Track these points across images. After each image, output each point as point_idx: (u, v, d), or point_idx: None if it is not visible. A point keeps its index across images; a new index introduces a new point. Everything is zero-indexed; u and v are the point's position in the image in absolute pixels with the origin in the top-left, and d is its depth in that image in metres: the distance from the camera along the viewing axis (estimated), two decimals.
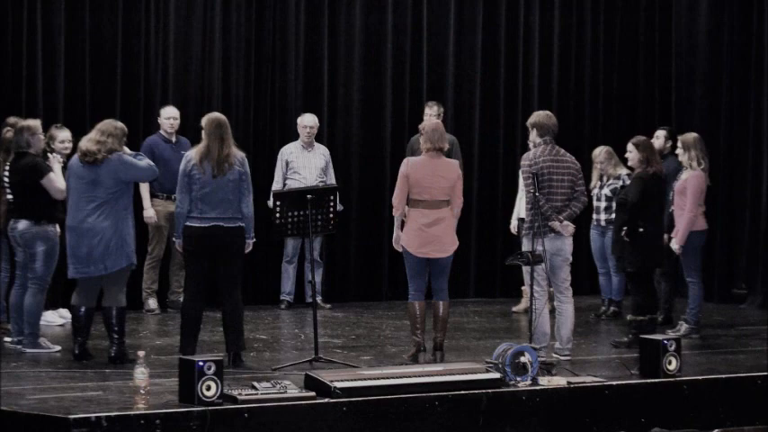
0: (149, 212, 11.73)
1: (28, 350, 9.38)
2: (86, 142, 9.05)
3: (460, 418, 7.69)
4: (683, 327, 10.68)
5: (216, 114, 9.17)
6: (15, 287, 9.68)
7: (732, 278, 13.50)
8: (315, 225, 9.20)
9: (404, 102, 13.56)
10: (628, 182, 11.03)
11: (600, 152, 11.91)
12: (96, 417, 6.81)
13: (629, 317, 10.23)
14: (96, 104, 12.04)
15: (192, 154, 8.99)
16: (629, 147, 10.30)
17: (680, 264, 10.90)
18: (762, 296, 13.01)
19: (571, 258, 9.45)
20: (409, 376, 7.86)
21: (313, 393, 7.48)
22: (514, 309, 12.40)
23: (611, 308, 12.01)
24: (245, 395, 7.29)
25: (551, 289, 9.58)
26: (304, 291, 12.53)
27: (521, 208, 11.34)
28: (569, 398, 8.04)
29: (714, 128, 13.49)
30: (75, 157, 9.12)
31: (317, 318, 9.15)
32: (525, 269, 9.27)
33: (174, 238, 9.32)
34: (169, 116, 11.97)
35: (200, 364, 7.18)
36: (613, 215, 11.17)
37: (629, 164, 10.46)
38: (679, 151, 10.73)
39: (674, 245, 10.54)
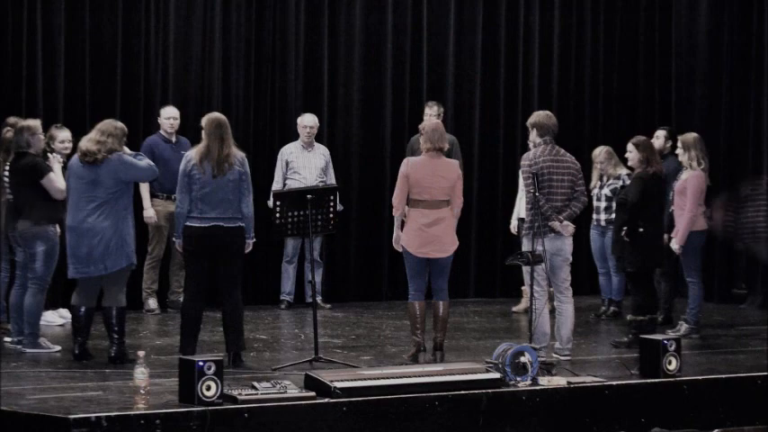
0: (149, 212, 11.73)
1: (28, 350, 9.38)
2: (86, 142, 9.05)
3: (460, 418, 7.69)
4: (683, 327, 10.67)
5: (216, 114, 9.17)
6: (15, 287, 9.67)
7: (732, 278, 13.50)
8: (315, 225, 9.20)
9: (404, 102, 13.55)
10: (628, 182, 11.03)
11: (600, 152, 11.91)
12: (96, 417, 6.81)
13: (629, 317, 10.22)
14: (96, 104, 12.03)
15: (192, 154, 8.99)
16: (629, 147, 10.30)
17: (680, 264, 10.90)
18: (762, 296, 13.00)
19: (571, 258, 9.45)
20: (409, 376, 7.86)
21: (313, 393, 7.48)
22: (514, 309, 12.39)
23: (611, 308, 12.01)
24: (245, 395, 7.28)
25: (551, 289, 9.58)
26: (304, 291, 12.52)
27: (521, 208, 11.33)
28: (569, 398, 8.04)
29: (714, 128, 13.48)
30: (76, 157, 9.12)
31: (317, 318, 9.15)
32: (525, 269, 9.26)
33: (174, 238, 9.32)
34: (169, 116, 11.97)
35: (200, 364, 7.18)
36: (613, 215, 11.17)
37: (629, 164, 10.46)
38: (679, 151, 10.73)
39: (674, 245, 10.53)
